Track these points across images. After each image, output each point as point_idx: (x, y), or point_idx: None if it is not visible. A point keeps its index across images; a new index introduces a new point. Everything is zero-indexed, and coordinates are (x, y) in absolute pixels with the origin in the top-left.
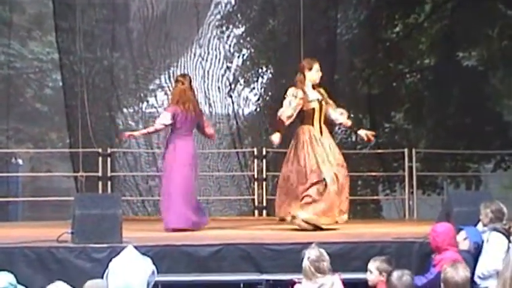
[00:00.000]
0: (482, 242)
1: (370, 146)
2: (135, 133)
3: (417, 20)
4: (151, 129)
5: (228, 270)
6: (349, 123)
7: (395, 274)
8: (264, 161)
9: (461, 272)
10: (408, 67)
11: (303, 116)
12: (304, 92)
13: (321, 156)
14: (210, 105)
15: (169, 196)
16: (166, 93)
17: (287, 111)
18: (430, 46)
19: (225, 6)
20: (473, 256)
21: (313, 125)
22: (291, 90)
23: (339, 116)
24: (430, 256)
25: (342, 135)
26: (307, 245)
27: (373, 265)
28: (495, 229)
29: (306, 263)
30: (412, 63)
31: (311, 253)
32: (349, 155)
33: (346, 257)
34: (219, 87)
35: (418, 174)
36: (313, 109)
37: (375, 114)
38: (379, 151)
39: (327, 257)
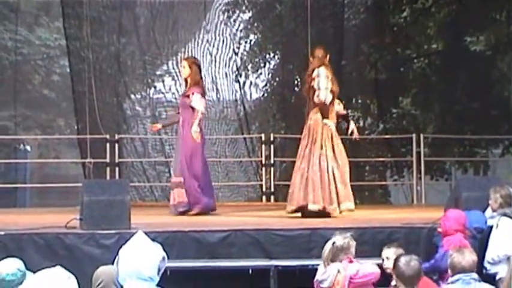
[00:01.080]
0: (491, 227)
1: (377, 131)
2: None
3: (424, 4)
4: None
5: (236, 256)
6: (344, 112)
7: (403, 259)
8: (272, 146)
9: (467, 256)
10: (416, 52)
11: None
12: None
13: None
14: (217, 90)
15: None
16: (174, 79)
17: (328, 96)
18: (437, 31)
19: None
20: (478, 240)
21: None
22: (325, 71)
23: (337, 105)
24: (435, 241)
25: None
26: (315, 230)
27: (389, 252)
28: (505, 214)
29: (328, 246)
30: (419, 48)
31: (339, 240)
32: (357, 140)
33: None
34: (226, 73)
35: (426, 159)
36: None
37: (382, 99)
38: (387, 136)
39: (352, 248)
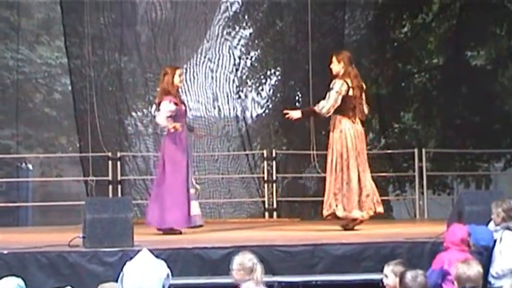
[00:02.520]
0: (494, 241)
1: (379, 146)
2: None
3: (425, 20)
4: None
5: None
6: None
7: (409, 275)
8: (274, 162)
9: (473, 267)
10: (416, 67)
11: None
12: None
13: None
14: (218, 107)
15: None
16: None
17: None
18: (438, 46)
19: (233, 8)
20: (484, 257)
21: None
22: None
23: None
24: None
25: None
26: (318, 246)
27: (387, 269)
28: (508, 228)
29: (258, 269)
30: (420, 63)
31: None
32: None
33: (358, 258)
34: (227, 89)
35: (428, 174)
36: None
37: (384, 114)
38: (389, 151)
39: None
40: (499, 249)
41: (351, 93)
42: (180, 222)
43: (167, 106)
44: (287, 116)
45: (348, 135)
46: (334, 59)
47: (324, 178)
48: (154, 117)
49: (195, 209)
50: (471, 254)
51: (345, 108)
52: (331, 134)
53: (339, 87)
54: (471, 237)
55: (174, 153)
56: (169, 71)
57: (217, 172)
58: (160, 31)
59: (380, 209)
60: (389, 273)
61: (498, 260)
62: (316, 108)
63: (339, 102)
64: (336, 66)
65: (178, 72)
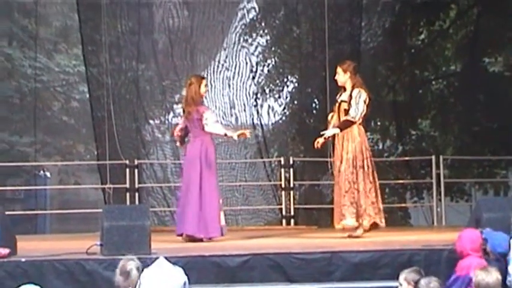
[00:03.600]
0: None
1: (397, 153)
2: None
3: (442, 26)
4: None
5: (257, 280)
6: None
7: (423, 281)
8: (291, 170)
9: (493, 274)
10: (434, 74)
11: None
12: None
13: None
14: (235, 114)
15: None
16: None
17: None
18: (455, 52)
19: (249, 15)
20: (501, 264)
21: None
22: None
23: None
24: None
25: (369, 143)
26: (336, 253)
27: (401, 277)
28: None
29: (135, 274)
30: (437, 70)
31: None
32: (376, 162)
33: (375, 265)
34: (244, 97)
35: (446, 181)
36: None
37: (401, 121)
38: (406, 158)
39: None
40: None
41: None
42: (218, 231)
43: (213, 115)
44: (319, 142)
45: (364, 145)
46: (339, 69)
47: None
48: (203, 127)
49: (223, 218)
50: (489, 261)
51: (363, 118)
52: (347, 143)
53: (365, 97)
54: (488, 244)
55: (213, 160)
56: (195, 80)
57: (234, 179)
58: (178, 39)
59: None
60: (403, 281)
61: None
62: (350, 118)
63: (365, 111)
64: (342, 77)
65: (204, 82)
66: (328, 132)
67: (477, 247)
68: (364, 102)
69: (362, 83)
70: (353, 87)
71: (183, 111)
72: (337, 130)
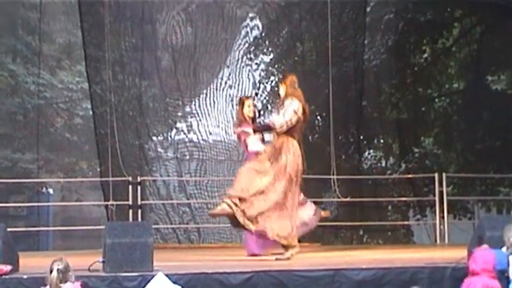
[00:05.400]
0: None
1: (400, 171)
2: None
3: (445, 44)
4: None
5: None
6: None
7: None
8: None
9: None
10: (437, 91)
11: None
12: None
13: None
14: None
15: None
16: (197, 121)
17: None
18: (458, 70)
19: (253, 33)
20: (502, 282)
21: None
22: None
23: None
24: (462, 281)
25: (372, 160)
26: (339, 270)
27: None
28: None
29: (54, 274)
30: (440, 88)
31: (60, 265)
32: (379, 180)
33: (378, 283)
34: None
35: (449, 198)
36: None
37: (404, 139)
38: (409, 176)
39: (71, 268)
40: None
41: (301, 115)
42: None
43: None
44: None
45: (300, 159)
46: (280, 84)
47: (344, 203)
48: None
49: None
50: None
51: (295, 129)
52: (284, 156)
53: (297, 106)
54: None
55: None
56: (239, 101)
57: None
58: (181, 56)
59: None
60: None
61: None
62: (270, 122)
63: (294, 122)
64: (281, 89)
65: (247, 102)
66: (244, 129)
67: (490, 268)
68: (295, 112)
69: (299, 95)
70: (286, 97)
71: None
72: (250, 130)
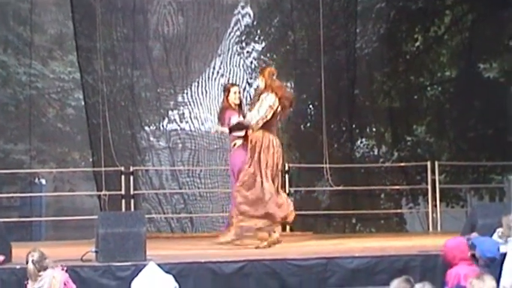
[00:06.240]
0: (504, 254)
1: (392, 159)
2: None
3: (437, 32)
4: None
5: (252, 286)
6: None
7: (417, 286)
8: (287, 176)
9: (488, 282)
10: (429, 80)
11: None
12: None
13: None
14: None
15: None
16: (189, 110)
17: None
18: (450, 58)
19: (244, 21)
20: (491, 269)
21: None
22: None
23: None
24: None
25: (365, 149)
26: (332, 259)
27: (392, 286)
28: None
29: (30, 266)
30: (433, 76)
31: (34, 255)
32: (372, 168)
33: (371, 271)
34: None
35: (441, 186)
36: None
37: (397, 127)
38: (402, 164)
39: (46, 255)
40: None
41: (278, 108)
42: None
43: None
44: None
45: (280, 153)
46: (259, 77)
47: (337, 192)
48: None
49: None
50: (478, 267)
51: (271, 123)
52: (261, 151)
53: (272, 101)
54: (477, 250)
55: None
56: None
57: (229, 186)
58: (173, 45)
59: None
60: None
61: (509, 272)
62: (245, 121)
63: (269, 117)
64: (260, 81)
65: (232, 89)
66: (218, 129)
67: (466, 255)
68: (270, 107)
69: (277, 86)
70: (264, 90)
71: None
72: (226, 130)
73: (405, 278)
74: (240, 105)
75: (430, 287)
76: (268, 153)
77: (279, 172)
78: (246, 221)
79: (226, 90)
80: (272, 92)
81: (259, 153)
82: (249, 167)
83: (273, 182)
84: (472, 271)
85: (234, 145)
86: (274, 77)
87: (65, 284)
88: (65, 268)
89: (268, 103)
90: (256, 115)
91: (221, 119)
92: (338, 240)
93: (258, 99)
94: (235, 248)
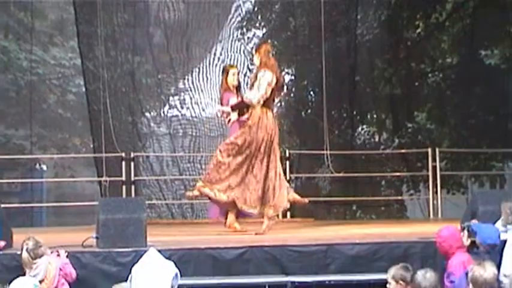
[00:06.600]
0: (505, 241)
1: (393, 146)
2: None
3: (438, 19)
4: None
5: (253, 272)
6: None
7: (419, 273)
8: (287, 162)
9: (489, 269)
10: (430, 66)
11: None
12: None
13: None
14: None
15: None
16: (190, 96)
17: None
18: (452, 45)
19: (245, 8)
20: (492, 256)
21: None
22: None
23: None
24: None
25: (365, 136)
26: (332, 246)
27: (389, 274)
28: None
29: (24, 254)
30: (434, 63)
31: (28, 244)
32: (373, 155)
33: (371, 258)
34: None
35: (442, 173)
36: None
37: (398, 114)
38: (403, 151)
39: (42, 242)
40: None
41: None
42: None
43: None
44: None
45: (273, 132)
46: (255, 53)
47: (337, 178)
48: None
49: None
50: (479, 254)
51: (270, 100)
52: (257, 128)
53: (270, 78)
54: (477, 237)
55: None
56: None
57: None
58: (173, 32)
59: None
60: (390, 279)
61: (509, 259)
62: (247, 100)
63: (269, 94)
64: (255, 58)
65: (231, 71)
66: (222, 108)
67: (461, 243)
68: (269, 84)
69: (272, 65)
70: (259, 68)
71: None
72: (228, 108)
73: (403, 265)
74: (238, 87)
75: (431, 273)
76: (262, 133)
77: (278, 153)
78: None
79: (225, 71)
80: (268, 69)
81: (256, 132)
82: (237, 137)
83: (260, 164)
84: (471, 258)
85: (229, 120)
86: (270, 55)
87: (61, 270)
88: (67, 253)
89: (266, 80)
90: (256, 93)
91: (221, 101)
92: (338, 227)
93: (256, 78)
94: (236, 234)
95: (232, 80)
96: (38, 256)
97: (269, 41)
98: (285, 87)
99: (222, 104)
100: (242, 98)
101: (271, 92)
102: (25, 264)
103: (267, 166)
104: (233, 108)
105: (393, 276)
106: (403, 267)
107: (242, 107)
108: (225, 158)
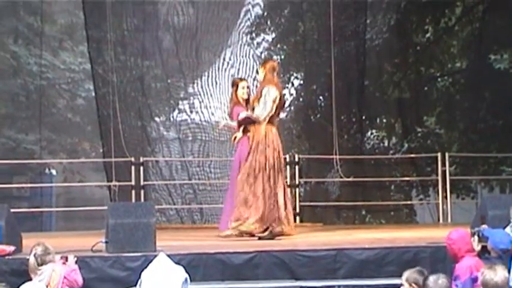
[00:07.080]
0: None
1: (402, 151)
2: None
3: (448, 23)
4: None
5: (262, 277)
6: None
7: (431, 278)
8: (297, 167)
9: (500, 273)
10: (439, 71)
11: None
12: None
13: None
14: None
15: None
16: (199, 101)
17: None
18: (461, 49)
19: (255, 13)
20: (504, 261)
21: None
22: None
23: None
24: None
25: (374, 140)
26: (341, 250)
27: (403, 278)
28: None
29: (31, 259)
30: (443, 67)
31: (37, 249)
32: (382, 160)
33: (381, 263)
34: None
35: (452, 178)
36: None
37: (407, 118)
38: (412, 156)
39: (51, 249)
40: None
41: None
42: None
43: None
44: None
45: (279, 147)
46: (259, 68)
47: (346, 183)
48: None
49: None
50: (490, 259)
51: (274, 116)
52: (265, 146)
53: (274, 95)
54: (489, 241)
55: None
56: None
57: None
58: (183, 36)
59: None
60: (404, 282)
61: None
62: (255, 118)
63: (274, 111)
64: (260, 73)
65: (241, 84)
66: (226, 123)
67: (471, 247)
68: (273, 101)
69: (276, 83)
70: (263, 83)
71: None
72: (234, 123)
73: (418, 269)
74: (248, 100)
75: (444, 279)
76: (270, 150)
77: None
78: (243, 226)
79: (235, 85)
80: (272, 86)
81: (264, 150)
82: (248, 162)
83: (275, 180)
84: (481, 262)
85: (235, 138)
86: (275, 74)
87: (65, 278)
88: (76, 258)
89: (271, 98)
90: (263, 111)
91: (230, 115)
92: (347, 232)
93: (261, 94)
94: (244, 239)
95: (242, 93)
96: (45, 263)
97: (278, 45)
98: (286, 105)
99: (231, 118)
100: (252, 111)
101: (276, 109)
102: (31, 269)
103: (276, 182)
104: (240, 124)
105: (407, 279)
106: (417, 271)
107: (248, 123)
108: (247, 192)
